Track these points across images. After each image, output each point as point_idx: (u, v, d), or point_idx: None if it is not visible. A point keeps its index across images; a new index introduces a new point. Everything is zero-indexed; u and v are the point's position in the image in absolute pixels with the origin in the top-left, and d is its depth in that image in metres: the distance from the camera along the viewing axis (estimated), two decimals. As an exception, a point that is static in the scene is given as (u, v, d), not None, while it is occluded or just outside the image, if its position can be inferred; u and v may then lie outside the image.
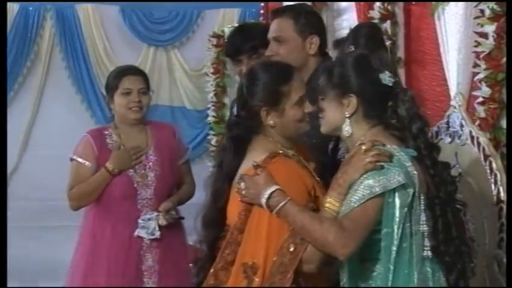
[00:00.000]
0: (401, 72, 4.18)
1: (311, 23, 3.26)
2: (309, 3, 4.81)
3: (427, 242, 2.44)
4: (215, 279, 2.52)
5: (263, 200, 2.41)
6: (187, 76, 7.84)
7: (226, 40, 3.92)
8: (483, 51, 3.44)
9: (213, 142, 6.67)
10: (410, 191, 2.39)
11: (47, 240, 6.70)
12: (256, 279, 2.40)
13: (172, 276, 3.89)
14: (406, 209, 2.39)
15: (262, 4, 6.10)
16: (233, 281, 2.45)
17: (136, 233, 3.83)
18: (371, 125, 2.50)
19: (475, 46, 3.47)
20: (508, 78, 3.22)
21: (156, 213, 3.82)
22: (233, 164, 2.58)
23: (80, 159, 3.88)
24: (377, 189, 2.34)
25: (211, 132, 6.70)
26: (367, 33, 2.92)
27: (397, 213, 2.38)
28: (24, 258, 6.49)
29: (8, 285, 5.93)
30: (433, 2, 3.93)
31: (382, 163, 2.36)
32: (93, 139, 3.88)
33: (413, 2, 4.27)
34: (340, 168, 2.46)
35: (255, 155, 2.53)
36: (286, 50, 3.21)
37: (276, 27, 3.26)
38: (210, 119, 6.74)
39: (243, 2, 7.51)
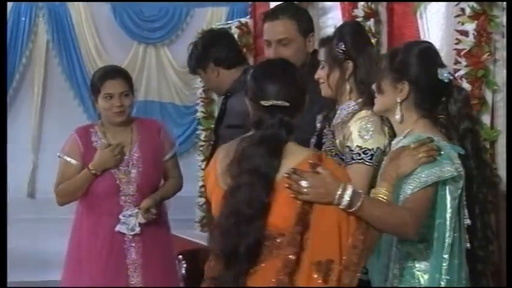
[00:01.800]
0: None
1: (309, 21, 3.27)
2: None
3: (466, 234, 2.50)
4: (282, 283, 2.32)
5: (344, 200, 2.30)
6: (176, 73, 7.82)
7: None
8: (464, 49, 3.46)
9: (202, 137, 6.65)
10: (460, 184, 2.44)
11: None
12: (334, 277, 2.30)
13: (157, 269, 3.87)
14: (457, 201, 2.44)
15: (250, 3, 6.10)
16: (305, 281, 2.31)
17: (117, 229, 3.81)
18: (420, 116, 2.52)
19: (456, 43, 3.49)
20: (508, 78, 3.22)
21: (136, 210, 3.79)
22: (275, 164, 2.39)
23: (66, 158, 3.88)
24: (433, 178, 2.38)
25: (200, 127, 6.68)
26: (353, 31, 2.92)
27: (449, 205, 2.43)
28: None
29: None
30: (416, 1, 3.95)
31: (434, 156, 2.40)
32: (79, 137, 3.87)
33: (397, 1, 4.27)
34: (388, 159, 2.48)
35: (299, 152, 2.44)
36: (292, 51, 3.22)
37: (279, 30, 3.25)
38: (199, 114, 6.72)
39: (231, 1, 7.51)
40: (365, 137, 2.72)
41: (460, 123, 2.52)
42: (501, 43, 3.46)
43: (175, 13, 7.67)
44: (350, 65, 2.83)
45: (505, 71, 3.45)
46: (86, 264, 3.84)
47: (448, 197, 2.42)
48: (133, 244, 3.83)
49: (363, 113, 2.78)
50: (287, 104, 2.40)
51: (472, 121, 2.56)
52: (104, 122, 3.90)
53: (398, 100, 2.51)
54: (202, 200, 6.69)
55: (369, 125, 2.74)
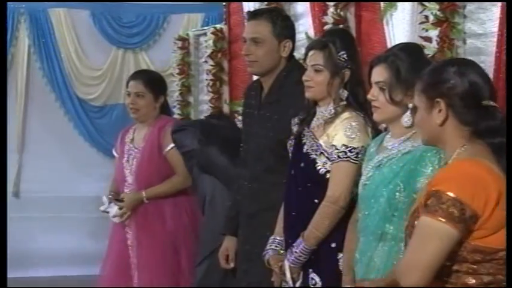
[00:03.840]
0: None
1: (287, 27, 3.29)
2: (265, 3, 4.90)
3: None
4: None
5: None
6: (154, 76, 7.82)
7: None
8: (427, 54, 3.50)
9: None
10: None
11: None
12: None
13: (151, 250, 3.98)
14: None
15: (224, 10, 6.13)
16: None
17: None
18: None
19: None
20: (508, 78, 3.25)
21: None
22: None
23: (113, 151, 4.26)
24: None
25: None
26: (350, 39, 2.96)
27: None
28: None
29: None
30: (382, 9, 4.01)
31: None
32: (121, 133, 4.23)
33: (364, 8, 4.32)
34: None
35: None
36: (263, 51, 3.23)
37: (254, 29, 3.27)
38: (176, 116, 6.74)
39: (206, 6, 7.53)
40: (351, 136, 2.77)
41: None
42: (462, 49, 3.53)
43: (152, 19, 7.67)
44: (348, 73, 2.86)
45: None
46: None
47: None
48: (130, 227, 4.00)
49: (347, 114, 2.83)
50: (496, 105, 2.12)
51: None
52: None
53: (410, 106, 2.49)
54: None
55: (354, 125, 2.78)
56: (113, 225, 4.14)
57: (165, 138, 4.06)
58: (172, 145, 4.06)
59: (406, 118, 2.52)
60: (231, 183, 3.65)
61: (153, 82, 4.14)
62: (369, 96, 2.60)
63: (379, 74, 2.57)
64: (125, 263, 4.03)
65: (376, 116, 2.62)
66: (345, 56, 2.86)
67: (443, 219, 1.96)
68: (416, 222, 2.05)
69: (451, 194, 1.96)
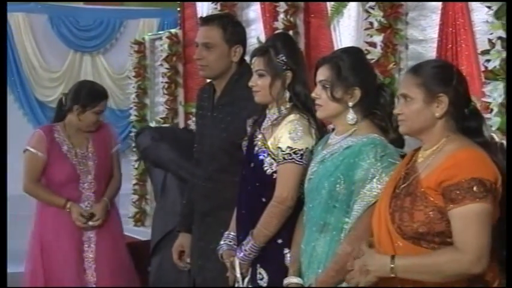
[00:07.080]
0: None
1: (237, 33, 3.29)
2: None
3: None
4: None
5: None
6: (111, 79, 7.79)
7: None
8: (372, 59, 3.57)
9: (136, 139, 6.65)
10: None
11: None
12: None
13: (111, 261, 3.97)
14: None
15: (179, 15, 6.13)
16: None
17: None
18: (363, 116, 2.58)
19: (365, 54, 3.59)
20: (508, 78, 3.29)
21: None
22: None
23: (33, 150, 4.01)
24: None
25: (134, 130, 6.68)
26: (289, 42, 2.98)
27: None
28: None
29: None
30: (329, 15, 4.06)
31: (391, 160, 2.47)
32: (44, 133, 4.04)
33: (312, 15, 4.37)
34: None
35: None
36: (214, 56, 3.22)
37: (205, 34, 3.27)
38: (133, 118, 6.72)
39: (162, 11, 7.52)
40: (295, 138, 2.77)
41: (391, 116, 2.55)
42: (405, 54, 3.61)
43: (109, 23, 7.63)
44: (289, 74, 2.88)
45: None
46: (47, 253, 3.99)
47: None
48: (91, 235, 3.97)
49: (292, 116, 2.83)
50: None
51: None
52: (69, 126, 4.04)
53: (351, 105, 2.55)
54: (136, 196, 6.70)
55: (298, 127, 2.79)
56: (62, 220, 4.00)
57: (112, 140, 4.18)
58: (116, 148, 4.18)
59: (351, 116, 2.57)
60: (181, 171, 3.84)
61: None
62: (313, 95, 2.65)
63: (322, 73, 2.61)
64: (79, 257, 3.99)
65: (319, 113, 2.66)
66: (283, 58, 2.87)
67: (490, 204, 2.08)
68: (461, 209, 2.10)
69: (491, 180, 2.10)
